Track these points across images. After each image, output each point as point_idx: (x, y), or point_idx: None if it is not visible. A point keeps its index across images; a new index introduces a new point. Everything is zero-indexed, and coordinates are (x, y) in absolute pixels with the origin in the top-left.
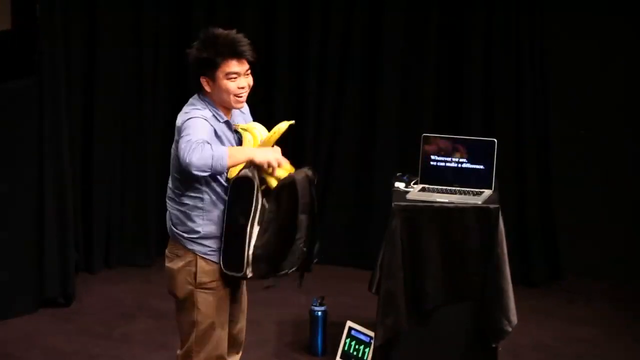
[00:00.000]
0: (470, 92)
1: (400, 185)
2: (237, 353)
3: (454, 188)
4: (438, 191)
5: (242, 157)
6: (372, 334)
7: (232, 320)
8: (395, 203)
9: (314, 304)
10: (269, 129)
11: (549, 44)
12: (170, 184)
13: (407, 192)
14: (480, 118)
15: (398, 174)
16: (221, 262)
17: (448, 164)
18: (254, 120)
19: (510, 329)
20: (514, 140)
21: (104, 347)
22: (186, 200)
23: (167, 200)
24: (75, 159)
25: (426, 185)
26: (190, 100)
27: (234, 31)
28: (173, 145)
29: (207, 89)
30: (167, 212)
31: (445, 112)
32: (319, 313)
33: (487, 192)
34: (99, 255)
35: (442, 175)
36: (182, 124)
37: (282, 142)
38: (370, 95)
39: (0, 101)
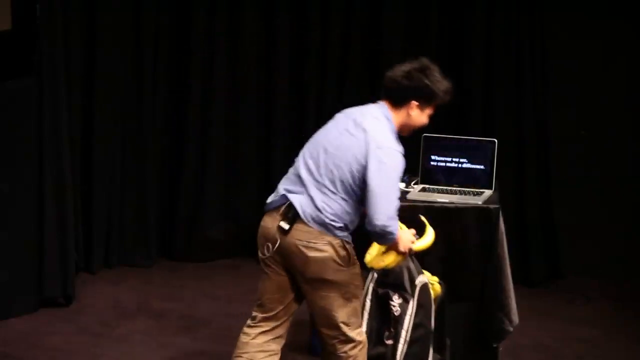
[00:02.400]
0: (470, 92)
1: (400, 185)
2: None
3: (454, 188)
4: (438, 191)
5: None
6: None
7: None
8: None
9: None
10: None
11: (549, 44)
12: (328, 183)
13: (408, 192)
14: (480, 118)
15: None
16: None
17: (448, 164)
18: None
19: (511, 329)
20: (514, 140)
21: (104, 347)
22: (350, 202)
23: (323, 191)
24: (75, 159)
25: (426, 186)
26: (378, 112)
27: None
28: (351, 142)
29: (411, 112)
30: (310, 199)
31: (445, 112)
32: None
33: (488, 192)
34: (99, 255)
35: (443, 176)
36: (385, 155)
37: (282, 139)
38: (371, 95)
39: (0, 101)
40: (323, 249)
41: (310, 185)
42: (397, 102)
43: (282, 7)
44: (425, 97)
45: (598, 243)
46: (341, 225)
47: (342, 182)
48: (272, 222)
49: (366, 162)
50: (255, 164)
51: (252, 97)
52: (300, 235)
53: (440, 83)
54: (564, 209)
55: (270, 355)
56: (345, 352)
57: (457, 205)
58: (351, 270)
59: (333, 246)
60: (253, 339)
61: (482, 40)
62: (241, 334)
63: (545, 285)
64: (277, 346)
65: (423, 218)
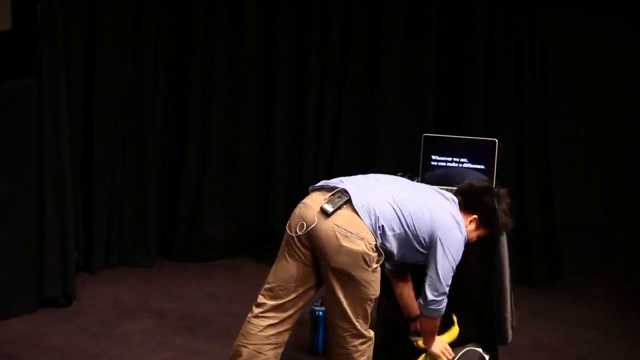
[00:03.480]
0: (470, 92)
1: None
2: None
3: (454, 188)
4: None
5: (435, 333)
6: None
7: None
8: None
9: (315, 304)
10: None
11: (549, 44)
12: (401, 209)
13: None
14: (481, 118)
15: (399, 174)
16: None
17: (449, 164)
18: None
19: (511, 330)
20: (514, 140)
21: (104, 347)
22: (401, 235)
23: (395, 201)
24: (75, 159)
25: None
26: (452, 203)
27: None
28: (439, 200)
29: (468, 224)
30: (374, 195)
31: (445, 112)
32: (320, 313)
33: None
34: (99, 255)
35: (444, 176)
36: (459, 241)
37: (282, 139)
38: (371, 95)
39: (0, 101)
40: (357, 242)
41: (380, 190)
42: (464, 205)
43: (282, 7)
44: (486, 218)
45: (598, 243)
46: (382, 232)
47: (410, 221)
48: (314, 203)
49: (441, 235)
50: (255, 164)
51: (252, 97)
52: (340, 221)
53: (506, 216)
54: (564, 209)
55: (276, 347)
56: (355, 346)
57: None
58: (375, 274)
59: (367, 244)
60: (261, 331)
61: (482, 40)
62: (248, 323)
63: (546, 285)
64: (283, 339)
65: (455, 317)
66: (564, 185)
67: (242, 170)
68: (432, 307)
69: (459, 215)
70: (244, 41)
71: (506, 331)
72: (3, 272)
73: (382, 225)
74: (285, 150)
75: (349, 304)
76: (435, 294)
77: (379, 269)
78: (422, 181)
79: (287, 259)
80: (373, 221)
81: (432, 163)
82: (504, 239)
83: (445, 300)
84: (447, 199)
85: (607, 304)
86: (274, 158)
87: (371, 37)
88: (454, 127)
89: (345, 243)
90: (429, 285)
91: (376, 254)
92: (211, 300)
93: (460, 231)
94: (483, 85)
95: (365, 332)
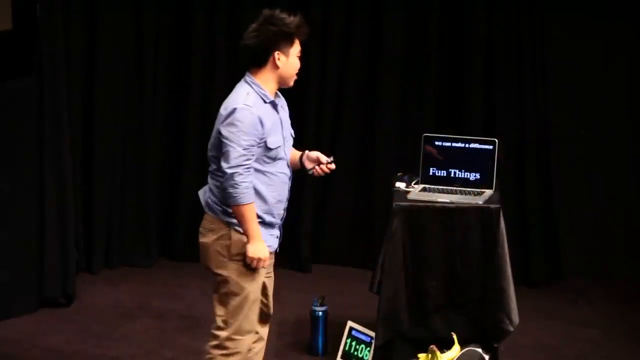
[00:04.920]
0: (470, 92)
1: (401, 185)
2: (266, 324)
3: (455, 188)
4: (439, 191)
5: (249, 228)
6: (372, 334)
7: (264, 294)
8: (396, 203)
9: (315, 304)
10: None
11: (549, 44)
12: (214, 161)
13: (408, 192)
14: (481, 118)
15: (399, 174)
16: None
17: (449, 164)
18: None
19: (512, 329)
20: (514, 140)
21: (104, 347)
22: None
23: (210, 175)
24: (75, 159)
25: (427, 185)
26: (241, 85)
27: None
28: (216, 127)
29: (278, 64)
30: (206, 187)
31: (445, 112)
32: (320, 313)
33: (488, 192)
34: (99, 255)
35: (443, 175)
36: (227, 115)
37: None
38: (371, 95)
39: (0, 101)
40: (207, 235)
41: (209, 173)
42: (260, 62)
43: (282, 7)
44: (282, 43)
45: (599, 243)
46: (224, 209)
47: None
48: None
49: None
50: None
51: None
52: (202, 222)
53: (289, 22)
54: (564, 209)
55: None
56: (211, 354)
57: (458, 205)
58: (235, 264)
59: (218, 234)
60: None
61: (482, 40)
62: None
63: (546, 285)
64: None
65: (455, 336)
66: (564, 185)
67: None
68: (224, 189)
69: (231, 100)
70: None
71: (502, 330)
72: (3, 272)
73: (216, 205)
74: None
75: (215, 302)
76: (219, 174)
77: (243, 261)
78: (422, 181)
79: None
80: (212, 208)
81: (433, 162)
82: (503, 237)
83: (238, 188)
84: (228, 99)
85: (607, 304)
86: None
87: (371, 37)
88: (454, 127)
89: (200, 239)
90: (220, 166)
91: (229, 241)
92: (211, 300)
93: (227, 112)
94: (483, 86)
95: (227, 342)
